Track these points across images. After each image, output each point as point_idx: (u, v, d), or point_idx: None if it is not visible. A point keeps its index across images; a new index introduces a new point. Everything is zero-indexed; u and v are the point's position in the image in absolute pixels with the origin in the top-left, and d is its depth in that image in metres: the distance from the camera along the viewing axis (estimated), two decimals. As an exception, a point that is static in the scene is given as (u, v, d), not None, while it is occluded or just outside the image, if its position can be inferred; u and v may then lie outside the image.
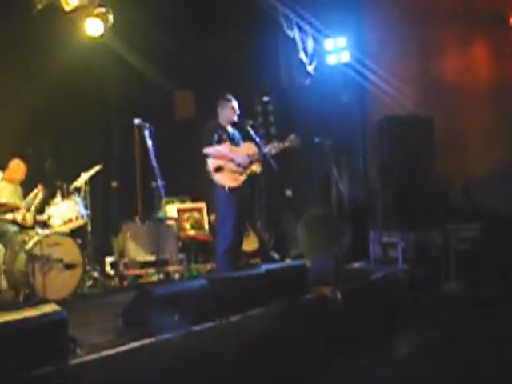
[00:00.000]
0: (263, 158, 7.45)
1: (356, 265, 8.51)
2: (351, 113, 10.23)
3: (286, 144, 7.53)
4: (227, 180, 7.27)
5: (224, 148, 7.35)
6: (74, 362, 4.13)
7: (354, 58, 10.13)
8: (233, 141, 7.50)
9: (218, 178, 7.29)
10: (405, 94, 9.73)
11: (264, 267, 6.31)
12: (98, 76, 10.33)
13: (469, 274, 8.09)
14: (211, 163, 7.30)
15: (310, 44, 10.22)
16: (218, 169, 7.27)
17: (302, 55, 10.17)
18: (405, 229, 8.56)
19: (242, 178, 7.33)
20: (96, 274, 8.29)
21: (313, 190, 10.26)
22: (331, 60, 10.39)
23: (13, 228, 7.57)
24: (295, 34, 9.96)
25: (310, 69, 10.27)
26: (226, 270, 7.12)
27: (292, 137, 7.53)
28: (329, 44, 10.37)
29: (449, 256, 8.30)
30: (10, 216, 7.50)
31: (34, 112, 8.77)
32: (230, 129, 7.55)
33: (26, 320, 4.06)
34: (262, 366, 5.19)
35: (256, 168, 7.48)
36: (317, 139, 8.20)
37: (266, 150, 7.41)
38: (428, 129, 9.29)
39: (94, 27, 9.05)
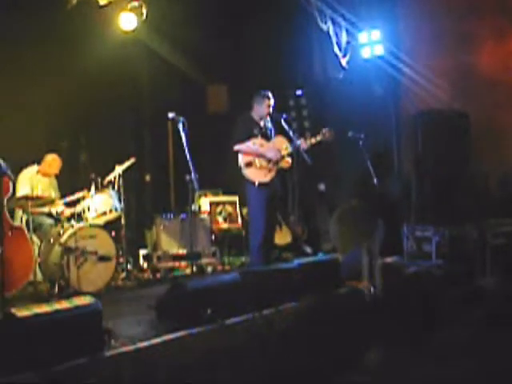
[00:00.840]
0: (296, 153, 7.43)
1: (389, 259, 8.42)
2: (385, 106, 10.14)
3: (319, 138, 7.50)
4: (257, 175, 7.27)
5: (255, 143, 7.33)
6: (108, 353, 4.16)
7: (388, 51, 10.01)
8: (265, 135, 7.48)
9: (249, 173, 7.29)
10: (440, 87, 9.61)
11: (296, 261, 6.30)
12: (131, 70, 10.39)
13: (505, 269, 7.97)
14: (242, 158, 7.30)
15: (343, 37, 10.13)
16: (249, 164, 7.27)
17: (336, 49, 10.09)
18: (439, 223, 8.46)
19: (273, 173, 7.32)
20: (129, 267, 8.35)
21: (346, 184, 10.21)
22: (365, 53, 10.29)
23: (48, 221, 7.65)
24: (329, 27, 9.88)
25: (343, 62, 10.19)
26: (260, 263, 7.13)
27: (325, 130, 7.50)
28: (363, 37, 10.26)
29: (484, 251, 8.19)
30: (45, 209, 7.58)
31: (69, 106, 8.84)
32: (262, 123, 7.53)
33: (62, 311, 4.10)
34: (293, 361, 5.17)
35: (287, 163, 7.47)
36: (350, 133, 8.15)
37: (298, 143, 7.38)
38: (463, 122, 9.18)
39: (127, 21, 9.10)
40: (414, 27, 10.02)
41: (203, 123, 9.72)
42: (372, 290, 6.30)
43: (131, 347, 4.33)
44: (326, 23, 9.86)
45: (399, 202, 9.53)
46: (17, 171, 7.42)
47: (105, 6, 8.71)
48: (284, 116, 7.65)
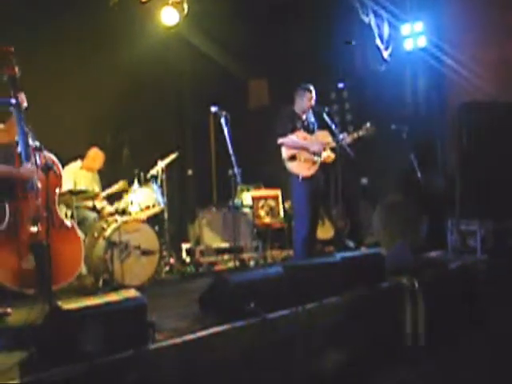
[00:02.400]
0: (339, 146, 7.40)
1: (433, 254, 8.33)
2: (428, 99, 10.02)
3: (361, 133, 7.47)
4: (301, 169, 7.26)
5: (298, 137, 7.32)
6: (152, 346, 4.19)
7: (431, 42, 9.88)
8: (307, 129, 7.46)
9: (292, 166, 7.28)
10: (485, 79, 9.45)
11: (339, 255, 6.24)
12: (173, 64, 10.45)
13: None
14: (285, 152, 7.29)
15: (385, 29, 10.04)
16: (292, 157, 7.26)
17: (378, 41, 10.00)
18: (484, 217, 8.33)
19: (316, 166, 7.30)
20: (172, 261, 8.41)
21: (389, 178, 10.12)
22: (407, 45, 10.18)
23: (92, 215, 7.73)
24: (371, 19, 9.80)
25: (385, 55, 10.09)
26: (303, 257, 7.12)
27: (367, 125, 7.46)
28: (405, 29, 10.15)
29: (531, 245, 8.05)
30: (89, 203, 7.66)
31: (112, 101, 8.92)
32: (304, 117, 7.51)
33: (107, 305, 4.13)
34: (335, 355, 5.16)
35: (330, 156, 7.43)
36: (393, 126, 8.08)
37: (341, 138, 7.35)
38: (509, 114, 9.00)
39: (169, 16, 9.16)
40: (457, 18, 9.86)
41: (245, 117, 9.73)
42: (416, 284, 6.23)
43: (175, 341, 4.34)
44: (367, 15, 9.78)
45: (443, 196, 9.40)
46: (61, 167, 7.51)
47: (146, 1, 8.76)
48: (326, 109, 7.61)
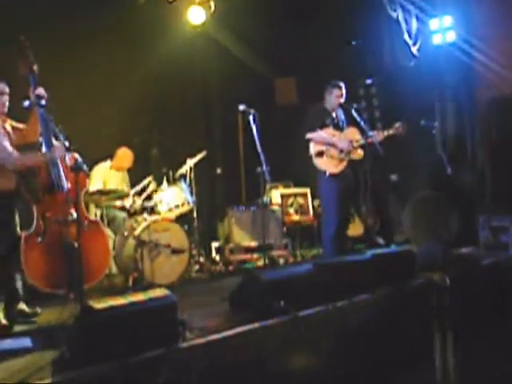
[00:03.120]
0: (368, 144, 7.36)
1: (465, 250, 8.25)
2: (458, 94, 9.91)
3: (391, 132, 7.43)
4: (328, 165, 7.24)
5: (327, 133, 7.30)
6: (183, 345, 4.20)
7: (461, 37, 9.77)
8: (336, 126, 7.44)
9: (320, 162, 7.27)
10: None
11: (370, 252, 6.21)
12: (200, 63, 10.46)
13: None
14: (313, 148, 7.28)
15: (413, 24, 9.95)
16: (320, 154, 7.25)
17: (406, 36, 9.92)
18: (516, 213, 8.23)
19: (344, 163, 7.27)
20: (202, 259, 8.43)
21: (419, 174, 10.03)
22: (436, 40, 10.07)
23: (121, 214, 7.77)
24: (399, 14, 9.72)
25: (414, 50, 10.01)
26: (333, 255, 7.10)
27: (397, 124, 7.43)
28: (434, 23, 10.04)
29: None
30: (118, 203, 7.70)
31: (140, 101, 8.96)
32: (334, 114, 7.48)
33: (138, 304, 4.15)
34: (366, 353, 5.12)
35: (358, 154, 7.40)
36: (423, 122, 8.02)
37: (371, 136, 7.31)
38: (539, 108, 8.90)
39: (196, 15, 9.20)
40: (486, 11, 9.74)
41: (272, 115, 9.70)
42: (447, 281, 6.17)
43: (205, 339, 4.35)
44: (395, 10, 9.71)
45: (474, 192, 9.31)
46: (90, 167, 7.57)
47: (173, 0, 8.79)
48: (354, 106, 7.58)
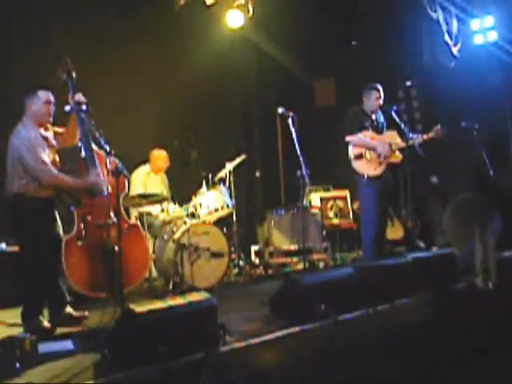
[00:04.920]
0: (408, 146, 7.29)
1: (508, 253, 8.12)
2: (499, 95, 9.77)
3: (431, 135, 7.34)
4: (367, 168, 7.18)
5: (366, 136, 7.24)
6: (224, 348, 4.19)
7: (502, 37, 9.64)
8: (376, 128, 7.37)
9: (358, 165, 7.21)
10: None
11: (410, 256, 6.15)
12: (238, 66, 10.49)
13: None
14: (352, 151, 7.23)
15: (454, 25, 9.82)
16: (359, 156, 7.19)
17: (447, 37, 9.80)
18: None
19: (383, 166, 7.20)
20: (241, 263, 8.43)
21: (460, 176, 9.90)
22: (477, 40, 9.94)
23: (161, 218, 7.79)
24: (439, 15, 9.60)
25: (454, 51, 9.88)
26: (372, 258, 7.04)
27: (437, 127, 7.33)
28: (475, 24, 9.91)
29: None
30: (158, 206, 7.73)
31: (179, 105, 9.01)
32: (374, 116, 7.42)
33: (178, 307, 4.16)
34: (407, 357, 5.06)
35: (397, 158, 7.32)
36: (464, 124, 7.92)
37: (411, 138, 7.24)
38: None
39: (234, 19, 9.21)
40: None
41: (312, 118, 9.68)
42: (490, 285, 6.08)
43: (245, 343, 4.34)
44: (435, 11, 9.59)
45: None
46: (130, 171, 7.62)
47: (212, 5, 8.81)
48: (394, 108, 7.51)
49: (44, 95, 5.39)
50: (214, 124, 9.74)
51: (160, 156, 8.23)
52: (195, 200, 7.64)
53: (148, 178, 8.11)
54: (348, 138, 7.21)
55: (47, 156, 5.32)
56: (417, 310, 5.53)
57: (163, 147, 8.24)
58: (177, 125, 8.97)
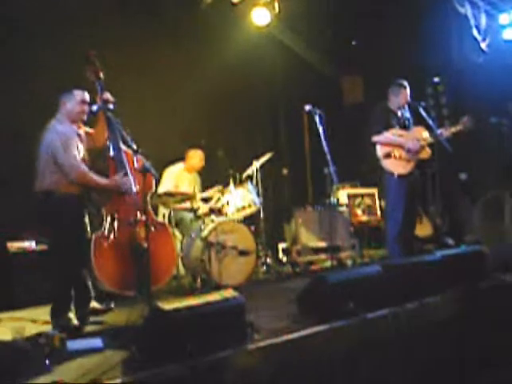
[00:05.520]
0: (436, 142, 7.23)
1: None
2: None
3: (459, 127, 7.26)
4: (396, 166, 7.13)
5: (393, 134, 7.19)
6: (251, 346, 4.19)
7: (532, 31, 9.54)
8: (403, 125, 7.32)
9: (387, 164, 7.16)
10: None
11: (439, 253, 6.11)
12: (265, 64, 10.48)
13: None
14: (380, 150, 7.18)
15: (483, 20, 9.71)
16: (387, 155, 7.15)
17: (475, 32, 9.69)
18: None
19: (412, 164, 7.15)
20: (269, 261, 8.42)
21: (489, 173, 9.80)
22: (506, 35, 9.83)
23: (189, 216, 7.83)
24: (467, 10, 9.50)
25: (483, 46, 9.77)
26: (397, 255, 7.00)
27: (465, 119, 7.24)
28: (504, 18, 9.81)
29: None
30: (186, 204, 7.76)
31: (206, 103, 9.03)
32: (399, 113, 7.37)
33: (206, 305, 4.17)
34: (436, 355, 5.03)
35: (426, 153, 7.27)
36: (493, 119, 7.85)
37: (438, 133, 7.18)
38: None
39: (260, 16, 9.18)
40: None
41: (339, 115, 9.66)
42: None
43: (273, 341, 4.34)
44: (463, 6, 9.49)
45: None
46: (157, 170, 7.65)
47: (238, 2, 8.81)
48: (422, 104, 7.45)
49: (79, 94, 5.49)
50: (241, 122, 9.76)
51: (196, 155, 8.28)
52: (222, 198, 7.65)
53: (180, 176, 8.16)
54: (375, 139, 7.17)
55: (79, 153, 5.37)
56: (445, 308, 5.48)
57: (191, 146, 8.27)
58: (203, 123, 9.00)
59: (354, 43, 10.42)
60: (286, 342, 4.36)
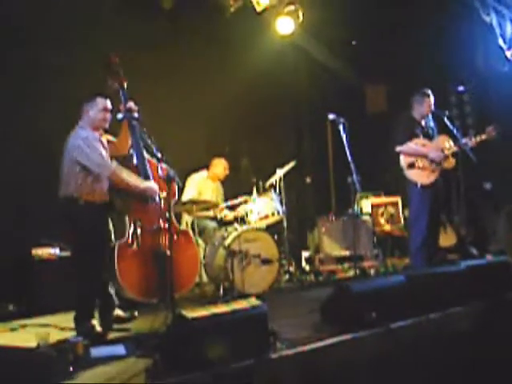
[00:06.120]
0: (461, 151, 7.19)
1: None
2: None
3: (484, 137, 7.21)
4: (420, 176, 7.10)
5: (417, 144, 7.16)
6: (274, 355, 4.18)
7: (557, 40, 9.45)
8: (427, 135, 7.29)
9: (411, 174, 7.13)
10: None
11: (464, 263, 6.06)
12: (288, 73, 10.50)
13: None
14: (404, 160, 7.16)
15: (508, 29, 9.65)
16: (411, 165, 7.12)
17: (500, 41, 9.63)
18: None
19: (436, 173, 7.11)
20: (292, 269, 8.41)
21: (514, 182, 9.73)
22: (532, 44, 9.77)
23: (212, 224, 7.85)
24: (492, 19, 9.45)
25: (508, 54, 9.71)
26: (421, 265, 6.96)
27: (490, 128, 7.20)
28: (529, 27, 9.75)
29: None
30: (209, 213, 7.79)
31: (229, 111, 9.05)
32: (423, 122, 7.34)
33: (229, 313, 4.17)
34: (460, 367, 4.98)
35: (450, 163, 7.22)
36: (518, 128, 7.78)
37: (463, 142, 7.13)
38: None
39: (284, 25, 9.20)
40: None
41: (363, 124, 9.62)
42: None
43: (295, 350, 4.32)
44: (488, 15, 9.45)
45: None
46: (181, 178, 7.69)
47: (262, 11, 8.84)
48: (446, 113, 7.41)
49: (102, 102, 5.51)
50: (265, 130, 9.76)
51: (220, 164, 8.31)
52: (246, 206, 7.66)
53: (203, 184, 8.19)
54: (398, 149, 7.14)
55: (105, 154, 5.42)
56: (470, 319, 5.43)
57: (215, 154, 8.30)
58: (227, 131, 9.03)
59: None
60: (308, 352, 4.34)
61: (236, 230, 7.22)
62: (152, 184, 5.52)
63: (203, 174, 8.28)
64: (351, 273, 8.26)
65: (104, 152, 5.38)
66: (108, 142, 5.62)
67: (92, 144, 5.30)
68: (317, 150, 10.68)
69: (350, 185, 6.86)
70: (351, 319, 4.79)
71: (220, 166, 8.28)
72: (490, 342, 5.31)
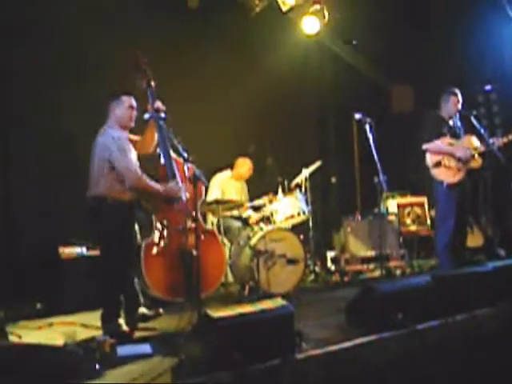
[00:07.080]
0: (488, 151, 7.13)
1: None
2: None
3: (511, 136, 7.15)
4: (446, 175, 7.06)
5: (444, 142, 7.13)
6: (300, 356, 4.18)
7: None
8: (454, 134, 7.24)
9: (437, 173, 7.10)
10: None
11: (491, 264, 6.01)
12: (314, 72, 10.50)
13: None
14: (430, 158, 7.13)
15: (536, 26, 9.58)
16: (437, 164, 7.08)
17: (528, 38, 9.56)
18: None
19: (462, 173, 7.07)
20: (317, 269, 8.40)
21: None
22: (561, 42, 9.67)
23: (237, 224, 7.86)
24: (520, 16, 9.38)
25: (536, 53, 9.63)
26: (447, 266, 6.93)
27: (518, 128, 7.15)
28: (559, 24, 9.65)
29: None
30: (234, 212, 7.80)
31: (255, 111, 9.06)
32: (451, 122, 7.30)
33: (254, 313, 4.18)
34: (487, 369, 4.93)
35: (477, 162, 7.17)
36: (545, 128, 7.69)
37: (490, 142, 7.08)
38: None
39: (310, 25, 9.20)
40: None
41: (388, 124, 9.57)
42: None
43: (322, 350, 4.32)
44: (516, 12, 9.38)
45: None
46: (207, 177, 7.71)
47: (287, 11, 8.84)
48: (473, 113, 7.36)
49: (127, 100, 5.54)
50: (290, 130, 9.75)
51: (245, 163, 8.32)
52: (271, 206, 7.65)
53: (227, 184, 8.20)
54: (425, 146, 7.11)
55: (134, 158, 5.44)
56: (496, 320, 5.38)
57: (240, 154, 8.31)
58: (252, 131, 9.02)
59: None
60: (334, 352, 4.34)
61: (261, 229, 7.22)
62: (173, 184, 5.53)
63: (227, 173, 8.30)
64: (377, 273, 8.23)
65: (134, 156, 5.41)
66: (131, 141, 5.63)
67: (123, 146, 5.33)
68: (342, 150, 10.64)
69: (376, 184, 6.83)
70: (377, 320, 4.78)
71: (245, 166, 8.29)
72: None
